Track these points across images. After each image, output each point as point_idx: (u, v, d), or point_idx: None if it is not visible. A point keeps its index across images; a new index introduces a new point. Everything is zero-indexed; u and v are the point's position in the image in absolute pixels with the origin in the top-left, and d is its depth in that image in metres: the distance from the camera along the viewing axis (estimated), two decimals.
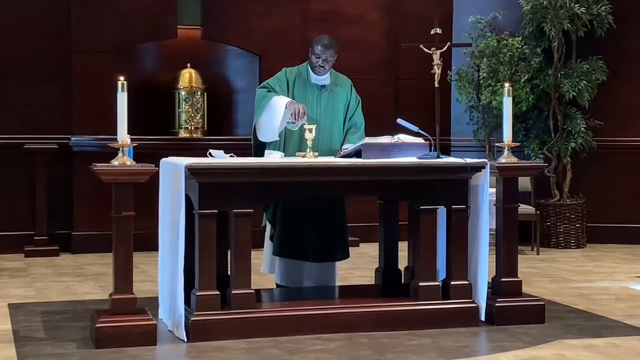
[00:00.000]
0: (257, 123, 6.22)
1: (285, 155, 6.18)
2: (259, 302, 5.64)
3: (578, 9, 9.32)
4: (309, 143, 5.87)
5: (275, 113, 6.11)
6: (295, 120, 6.05)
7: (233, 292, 5.48)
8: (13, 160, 9.05)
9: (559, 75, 9.55)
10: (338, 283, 6.47)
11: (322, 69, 6.29)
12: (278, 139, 6.21)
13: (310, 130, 5.88)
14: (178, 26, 9.51)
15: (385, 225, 6.41)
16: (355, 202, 6.55)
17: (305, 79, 6.36)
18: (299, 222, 6.21)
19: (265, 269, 6.46)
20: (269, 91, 6.24)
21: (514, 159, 6.02)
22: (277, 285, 6.39)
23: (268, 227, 6.38)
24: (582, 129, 9.58)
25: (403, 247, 6.30)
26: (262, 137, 6.24)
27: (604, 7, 9.46)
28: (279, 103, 6.12)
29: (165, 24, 9.45)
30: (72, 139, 9.13)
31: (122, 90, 5.36)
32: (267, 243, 6.39)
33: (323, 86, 6.36)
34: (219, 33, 9.66)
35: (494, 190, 6.03)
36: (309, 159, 5.80)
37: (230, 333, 5.42)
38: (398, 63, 10.24)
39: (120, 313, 5.31)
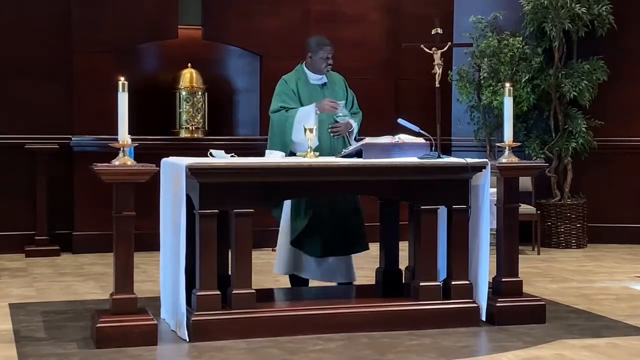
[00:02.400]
0: (292, 143, 6.21)
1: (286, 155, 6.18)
2: (260, 302, 5.64)
3: (579, 9, 9.32)
4: (310, 143, 5.87)
5: (308, 122, 6.07)
6: (335, 109, 6.16)
7: (234, 292, 5.48)
8: (14, 160, 9.04)
9: (560, 75, 9.55)
10: (356, 278, 6.49)
11: (330, 67, 6.38)
12: (318, 143, 6.19)
13: (310, 130, 5.88)
14: (178, 26, 9.50)
15: (386, 225, 6.41)
16: None
17: (306, 80, 6.41)
18: (313, 217, 6.20)
19: (278, 270, 6.45)
20: (287, 110, 6.25)
21: (514, 159, 6.02)
22: (291, 277, 6.39)
23: (282, 223, 6.35)
24: (583, 128, 9.58)
25: (404, 247, 6.30)
26: (300, 149, 6.19)
27: (604, 7, 9.45)
28: (307, 111, 6.18)
29: (165, 24, 9.45)
30: (73, 139, 9.13)
31: (123, 90, 5.36)
32: (280, 243, 6.37)
33: (323, 84, 6.42)
34: (219, 33, 9.65)
35: (494, 190, 6.03)
36: (310, 159, 5.80)
37: (231, 333, 5.42)
38: (398, 63, 10.23)
39: (120, 313, 5.30)
